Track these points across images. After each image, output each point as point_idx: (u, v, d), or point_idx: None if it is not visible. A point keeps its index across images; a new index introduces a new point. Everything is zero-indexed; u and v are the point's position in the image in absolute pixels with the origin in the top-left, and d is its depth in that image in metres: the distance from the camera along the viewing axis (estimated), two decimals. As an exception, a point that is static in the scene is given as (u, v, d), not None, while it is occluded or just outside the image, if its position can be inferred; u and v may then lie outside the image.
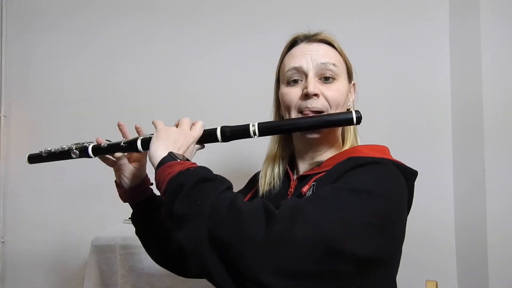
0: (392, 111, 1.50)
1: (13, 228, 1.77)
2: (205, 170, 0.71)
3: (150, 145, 0.77)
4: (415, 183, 0.79)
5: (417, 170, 0.79)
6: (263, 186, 0.90)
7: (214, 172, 0.71)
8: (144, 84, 1.70)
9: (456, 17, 1.45)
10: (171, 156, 0.72)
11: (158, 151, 0.74)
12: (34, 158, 0.97)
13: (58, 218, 1.72)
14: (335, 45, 0.85)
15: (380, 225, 0.65)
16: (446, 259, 1.43)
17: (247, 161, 1.52)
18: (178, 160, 0.71)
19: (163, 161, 0.71)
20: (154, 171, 0.73)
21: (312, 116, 0.80)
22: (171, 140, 0.76)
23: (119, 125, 0.94)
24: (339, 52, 0.85)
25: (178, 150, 0.75)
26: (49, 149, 0.94)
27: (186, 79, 1.67)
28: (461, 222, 1.42)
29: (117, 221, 1.51)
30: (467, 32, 1.39)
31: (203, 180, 0.67)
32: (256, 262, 0.57)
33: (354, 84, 0.89)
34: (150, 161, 0.75)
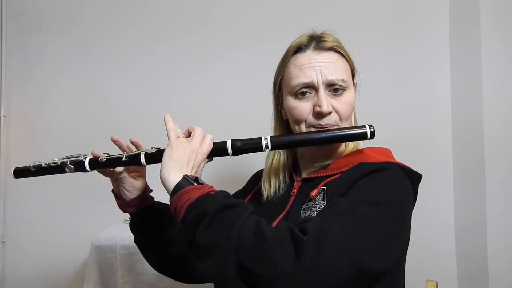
0: (392, 114, 1.50)
1: (13, 228, 1.77)
2: (224, 195, 0.68)
3: (162, 166, 0.72)
4: None
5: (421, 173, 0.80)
6: (268, 190, 0.89)
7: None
8: (145, 84, 1.69)
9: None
10: (186, 180, 0.68)
11: (172, 174, 0.70)
12: (20, 173, 0.89)
13: (58, 218, 1.72)
14: (343, 52, 0.83)
15: (396, 237, 0.67)
16: (446, 259, 1.43)
17: (245, 162, 1.52)
18: (195, 184, 0.67)
19: (179, 186, 0.68)
20: (169, 196, 0.69)
21: (325, 130, 0.79)
22: (185, 161, 0.72)
23: (114, 141, 0.88)
24: (346, 59, 0.84)
25: (191, 171, 0.72)
26: (38, 163, 0.87)
27: (187, 83, 1.66)
28: (461, 222, 1.42)
29: (117, 221, 1.51)
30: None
31: (225, 207, 0.64)
32: None
33: (356, 84, 0.89)
34: (163, 184, 0.71)
